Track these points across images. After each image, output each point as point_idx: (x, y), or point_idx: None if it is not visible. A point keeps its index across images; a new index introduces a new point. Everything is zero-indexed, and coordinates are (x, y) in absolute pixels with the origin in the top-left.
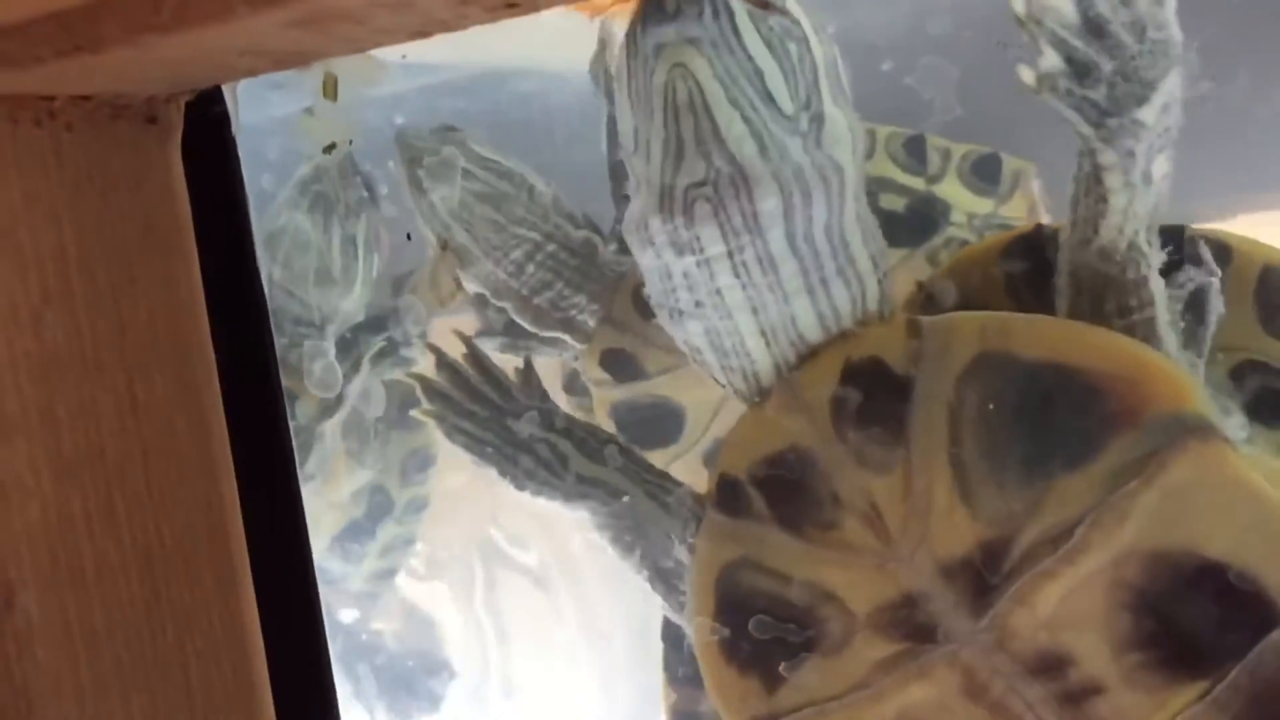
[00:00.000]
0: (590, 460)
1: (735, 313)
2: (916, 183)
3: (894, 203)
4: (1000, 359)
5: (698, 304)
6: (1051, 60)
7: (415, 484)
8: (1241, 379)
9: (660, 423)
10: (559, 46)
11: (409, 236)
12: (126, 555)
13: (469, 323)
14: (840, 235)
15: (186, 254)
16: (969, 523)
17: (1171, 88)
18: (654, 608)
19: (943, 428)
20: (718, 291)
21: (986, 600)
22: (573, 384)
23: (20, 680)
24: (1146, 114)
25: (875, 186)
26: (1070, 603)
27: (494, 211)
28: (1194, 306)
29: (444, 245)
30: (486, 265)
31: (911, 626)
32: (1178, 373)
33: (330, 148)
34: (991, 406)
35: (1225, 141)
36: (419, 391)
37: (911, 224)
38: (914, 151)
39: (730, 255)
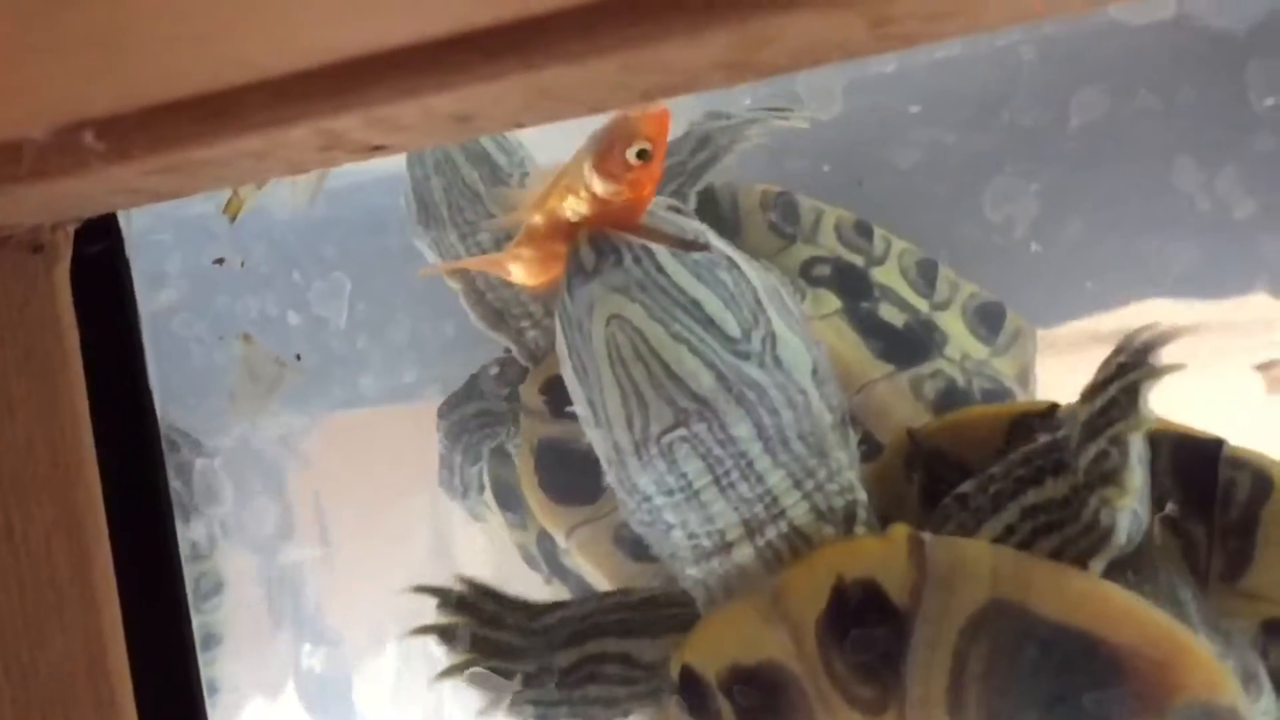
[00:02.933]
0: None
1: (727, 532)
2: (921, 304)
3: (894, 316)
4: (1015, 612)
5: (692, 541)
6: (1139, 481)
7: (204, 613)
8: (1271, 638)
9: (583, 475)
10: None
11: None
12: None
13: (353, 421)
14: (819, 445)
15: (71, 380)
16: None
17: None
18: None
19: (943, 678)
20: (709, 519)
21: None
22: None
23: None
24: None
25: (880, 294)
26: None
27: (479, 180)
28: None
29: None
30: (450, 235)
31: None
32: (1211, 657)
33: (219, 261)
34: (1000, 667)
35: (1061, 277)
36: (448, 651)
37: (906, 342)
38: (925, 273)
39: (718, 482)
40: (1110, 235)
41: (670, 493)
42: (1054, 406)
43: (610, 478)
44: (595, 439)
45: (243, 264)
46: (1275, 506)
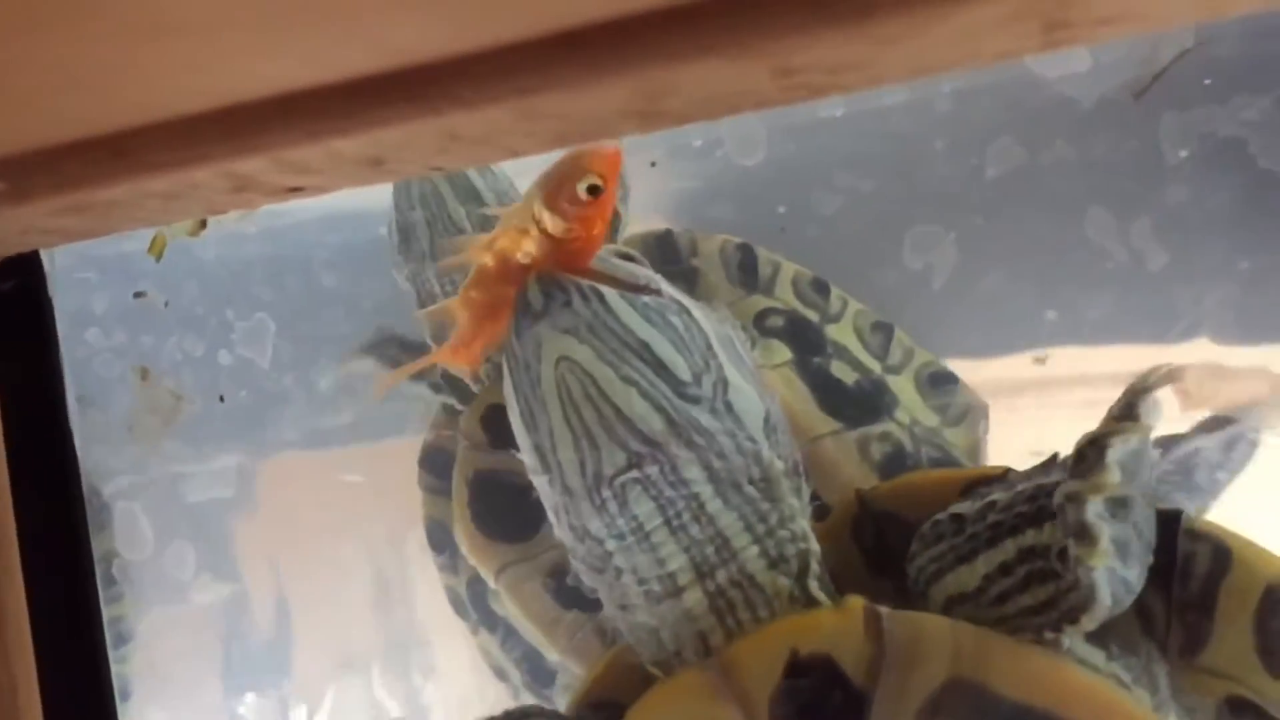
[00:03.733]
0: None
1: (678, 576)
2: (873, 365)
3: (845, 374)
4: (974, 692)
5: (643, 587)
6: (1106, 542)
7: (114, 661)
8: (1233, 717)
9: (517, 512)
10: None
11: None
12: None
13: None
14: (771, 491)
15: None
16: None
17: None
18: None
19: None
20: (660, 562)
21: None
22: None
23: None
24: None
25: (833, 350)
26: None
27: (465, 217)
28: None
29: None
30: (428, 269)
31: None
32: None
33: (140, 294)
34: None
35: (983, 331)
36: None
37: (855, 401)
38: (880, 334)
39: (669, 524)
40: (1027, 284)
41: (621, 536)
42: (1008, 472)
43: (559, 526)
44: (541, 486)
45: (166, 304)
46: (1235, 581)
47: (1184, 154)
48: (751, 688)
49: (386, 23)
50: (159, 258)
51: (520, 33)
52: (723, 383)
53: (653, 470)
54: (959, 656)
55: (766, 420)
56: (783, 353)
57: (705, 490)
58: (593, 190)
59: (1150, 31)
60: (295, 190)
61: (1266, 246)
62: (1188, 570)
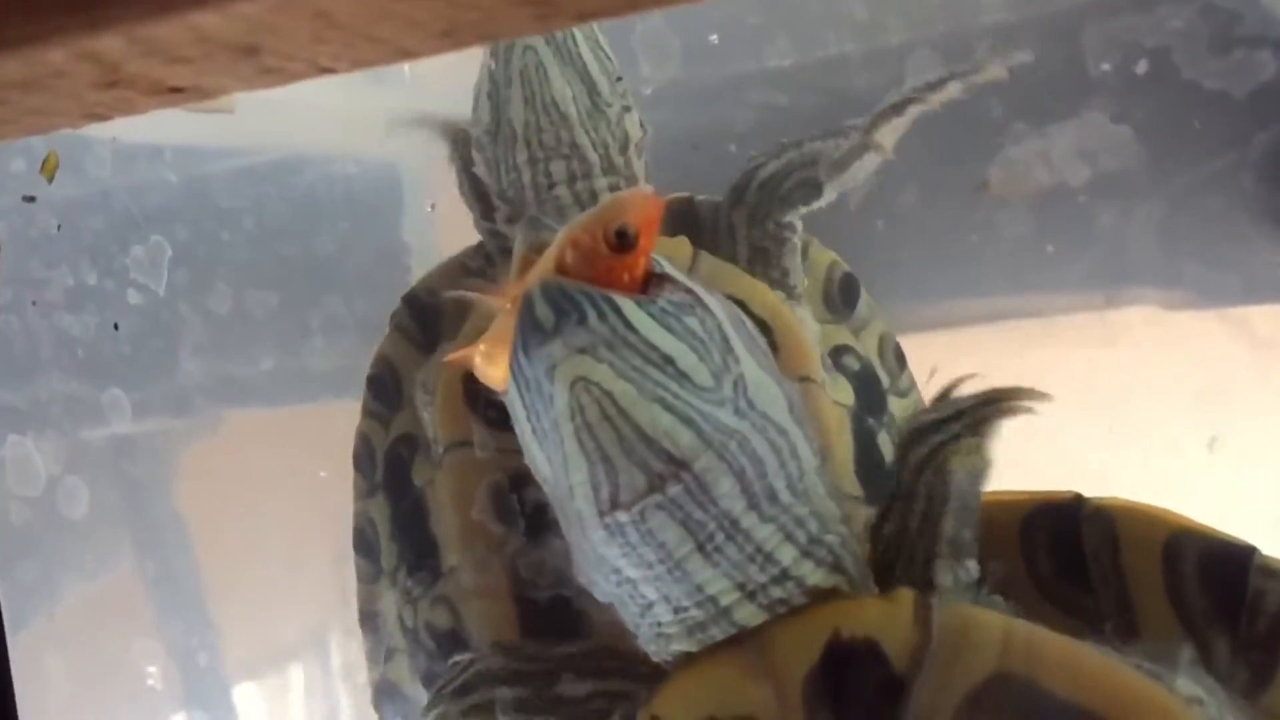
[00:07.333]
0: None
1: (721, 598)
2: None
3: (888, 450)
4: (1022, 687)
5: (677, 611)
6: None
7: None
8: None
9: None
10: (349, 132)
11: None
12: None
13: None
14: (806, 491)
15: None
16: None
17: None
18: None
19: None
20: (698, 588)
21: None
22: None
23: None
24: None
25: (888, 421)
26: None
27: (571, 100)
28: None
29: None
30: (518, 155)
31: None
32: None
33: (30, 199)
34: None
35: (896, 250)
36: None
37: (885, 480)
38: None
39: (701, 548)
40: (945, 202)
41: (649, 566)
42: (1078, 497)
43: (577, 555)
44: (557, 505)
45: (59, 227)
46: None
47: (1106, 66)
48: (787, 667)
49: None
50: (50, 179)
51: None
52: (742, 379)
53: (679, 493)
54: (1009, 649)
55: (790, 405)
56: (849, 394)
57: (737, 505)
58: (621, 237)
59: None
60: (177, 91)
61: (1189, 160)
62: (1257, 608)
